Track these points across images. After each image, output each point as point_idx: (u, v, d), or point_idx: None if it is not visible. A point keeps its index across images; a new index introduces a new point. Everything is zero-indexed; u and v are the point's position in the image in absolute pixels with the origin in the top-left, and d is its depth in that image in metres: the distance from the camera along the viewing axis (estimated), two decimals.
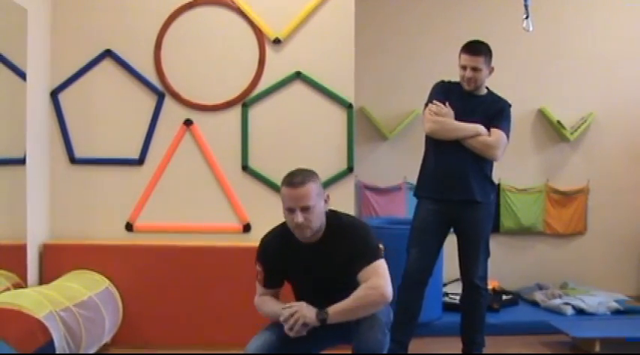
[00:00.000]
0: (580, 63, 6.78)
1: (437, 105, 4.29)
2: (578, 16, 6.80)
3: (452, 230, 4.43)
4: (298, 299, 3.30)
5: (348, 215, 3.40)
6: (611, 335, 4.93)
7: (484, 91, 4.43)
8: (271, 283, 3.38)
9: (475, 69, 4.29)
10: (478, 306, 4.39)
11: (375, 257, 3.18)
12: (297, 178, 3.15)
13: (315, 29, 5.08)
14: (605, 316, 5.67)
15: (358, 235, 3.23)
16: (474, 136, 4.24)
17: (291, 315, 3.11)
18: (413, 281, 4.31)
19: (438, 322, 5.42)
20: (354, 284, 3.14)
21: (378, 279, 3.13)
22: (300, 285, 3.40)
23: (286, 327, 3.12)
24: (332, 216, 3.29)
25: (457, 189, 4.27)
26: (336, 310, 3.09)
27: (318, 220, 3.17)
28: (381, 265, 3.18)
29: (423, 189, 4.41)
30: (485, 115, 4.31)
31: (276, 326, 3.25)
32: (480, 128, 4.25)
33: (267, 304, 3.34)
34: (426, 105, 4.37)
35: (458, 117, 4.26)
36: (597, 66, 6.78)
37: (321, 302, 3.15)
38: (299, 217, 3.12)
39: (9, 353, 3.45)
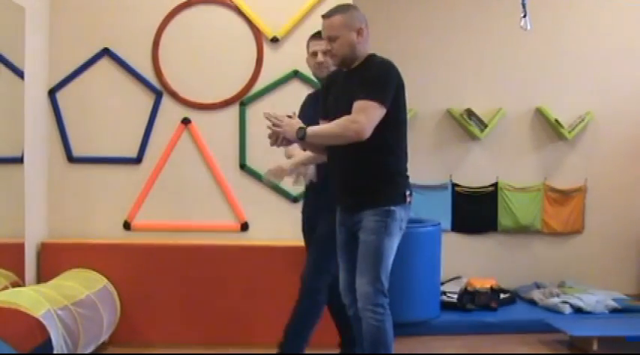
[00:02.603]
0: (578, 62, 6.78)
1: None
2: (576, 15, 6.80)
3: None
4: None
5: (384, 59, 3.48)
6: (608, 333, 4.94)
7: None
8: (324, 112, 3.59)
9: (326, 52, 3.79)
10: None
11: (372, 94, 3.29)
12: (330, 10, 3.46)
13: (312, 28, 5.02)
14: (603, 315, 5.68)
15: (373, 68, 3.39)
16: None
17: (276, 130, 3.36)
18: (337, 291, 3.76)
19: (436, 320, 5.43)
20: None
21: (361, 116, 3.26)
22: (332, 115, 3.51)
23: (271, 141, 3.40)
24: (371, 56, 3.47)
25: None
26: (314, 131, 3.33)
27: (342, 49, 3.41)
28: (373, 105, 3.28)
29: None
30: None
31: (340, 263, 3.58)
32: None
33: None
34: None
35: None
36: (595, 65, 6.78)
37: None
38: (326, 45, 3.48)
39: (7, 351, 3.45)
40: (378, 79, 3.34)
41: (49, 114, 5.01)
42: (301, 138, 3.32)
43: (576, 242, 6.84)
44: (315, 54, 4.05)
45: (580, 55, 6.78)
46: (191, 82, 5.08)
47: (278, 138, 3.38)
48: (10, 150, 4.58)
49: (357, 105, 3.29)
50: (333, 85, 3.58)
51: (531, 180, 6.78)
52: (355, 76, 3.43)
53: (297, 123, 3.36)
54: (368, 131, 3.26)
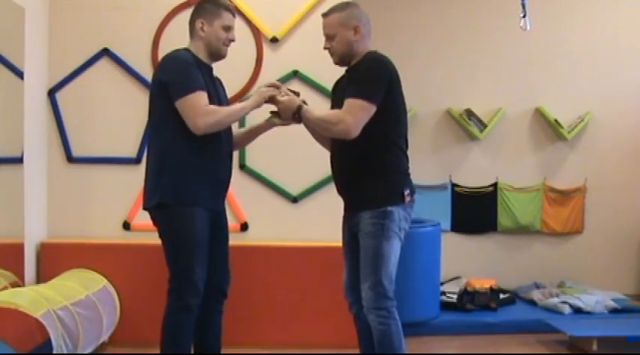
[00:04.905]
0: (577, 62, 6.79)
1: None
2: (576, 15, 6.81)
3: None
4: None
5: (379, 55, 3.46)
6: (608, 333, 4.94)
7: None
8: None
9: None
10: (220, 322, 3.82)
11: (360, 92, 3.30)
12: (329, 9, 3.49)
13: (312, 28, 5.06)
14: (603, 315, 5.69)
15: (364, 64, 3.39)
16: None
17: (280, 97, 3.52)
18: None
19: (435, 321, 5.43)
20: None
21: (348, 115, 3.29)
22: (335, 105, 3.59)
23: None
24: (368, 52, 3.46)
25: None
26: (308, 113, 3.44)
27: (340, 47, 3.45)
28: (361, 105, 3.29)
29: None
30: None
31: (344, 261, 3.59)
32: None
33: None
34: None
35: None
36: (595, 65, 6.79)
37: None
38: (325, 43, 3.49)
39: (6, 352, 3.45)
40: (366, 75, 3.34)
41: (48, 114, 5.01)
42: (297, 111, 3.44)
43: (576, 242, 6.84)
44: (229, 29, 3.68)
45: (580, 55, 6.78)
46: None
47: (285, 111, 3.49)
48: (10, 150, 4.58)
49: (346, 103, 3.31)
50: (340, 83, 3.61)
51: (531, 180, 6.78)
52: (352, 73, 3.47)
53: (299, 100, 3.49)
54: (354, 131, 3.28)
